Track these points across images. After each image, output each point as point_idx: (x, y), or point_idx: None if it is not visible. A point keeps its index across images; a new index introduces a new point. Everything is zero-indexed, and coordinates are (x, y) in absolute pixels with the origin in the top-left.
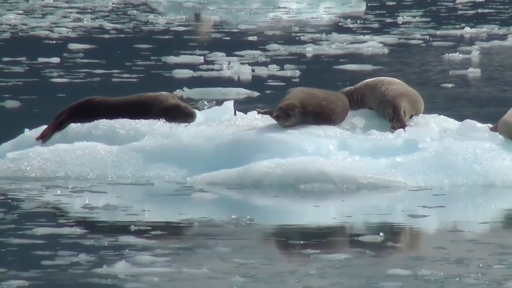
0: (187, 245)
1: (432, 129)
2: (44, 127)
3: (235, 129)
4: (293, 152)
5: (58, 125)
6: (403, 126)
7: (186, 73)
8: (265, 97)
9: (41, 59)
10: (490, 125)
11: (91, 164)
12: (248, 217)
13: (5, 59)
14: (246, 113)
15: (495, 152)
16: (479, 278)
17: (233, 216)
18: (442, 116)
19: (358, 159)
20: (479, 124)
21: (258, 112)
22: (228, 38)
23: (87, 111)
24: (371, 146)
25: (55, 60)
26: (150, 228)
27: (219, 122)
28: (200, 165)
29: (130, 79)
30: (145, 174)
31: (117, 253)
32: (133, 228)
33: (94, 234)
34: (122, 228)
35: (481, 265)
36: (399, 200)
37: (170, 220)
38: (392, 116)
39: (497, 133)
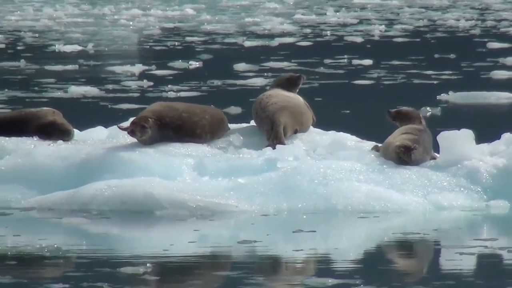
0: None
1: (297, 147)
2: None
3: (94, 148)
4: (139, 172)
5: None
6: (279, 143)
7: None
8: None
9: None
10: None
11: None
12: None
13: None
14: None
15: (351, 173)
16: None
17: None
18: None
19: (205, 180)
20: (350, 142)
21: (120, 128)
22: None
23: None
24: (227, 166)
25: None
26: None
27: (94, 140)
28: (50, 186)
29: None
30: None
31: None
32: None
33: None
34: None
35: None
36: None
37: None
38: (270, 133)
39: (377, 152)
